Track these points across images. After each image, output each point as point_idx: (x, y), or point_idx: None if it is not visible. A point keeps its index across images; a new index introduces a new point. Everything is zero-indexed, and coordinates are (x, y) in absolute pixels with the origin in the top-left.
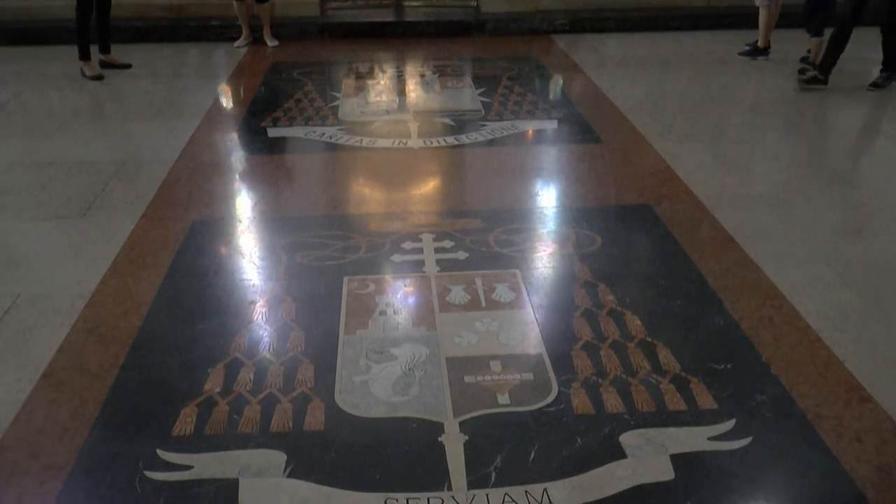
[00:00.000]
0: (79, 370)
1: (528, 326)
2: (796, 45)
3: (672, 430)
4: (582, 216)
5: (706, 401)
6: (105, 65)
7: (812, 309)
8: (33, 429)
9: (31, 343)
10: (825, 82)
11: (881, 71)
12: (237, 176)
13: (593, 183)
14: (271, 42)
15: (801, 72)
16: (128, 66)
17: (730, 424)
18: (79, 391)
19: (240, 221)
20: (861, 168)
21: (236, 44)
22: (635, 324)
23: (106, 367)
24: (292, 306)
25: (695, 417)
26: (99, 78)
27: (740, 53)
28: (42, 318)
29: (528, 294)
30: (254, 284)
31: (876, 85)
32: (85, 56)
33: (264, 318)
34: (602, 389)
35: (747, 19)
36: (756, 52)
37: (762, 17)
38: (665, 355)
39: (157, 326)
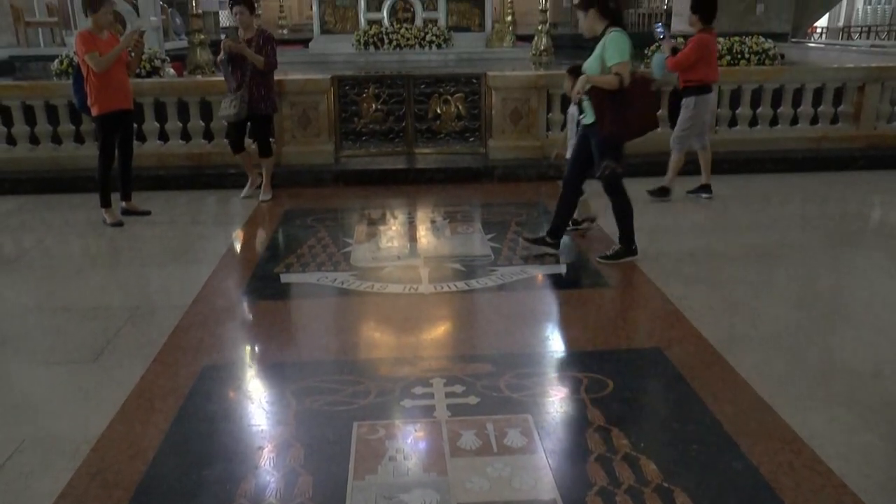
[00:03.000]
0: None
1: (540, 472)
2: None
3: None
4: (592, 360)
5: None
6: (126, 212)
7: (833, 453)
8: None
9: (32, 488)
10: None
11: (546, 236)
12: (249, 321)
13: (603, 327)
14: (264, 195)
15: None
16: (147, 213)
17: None
18: None
19: (250, 366)
20: (873, 309)
21: (242, 194)
22: (651, 469)
23: None
24: (300, 452)
25: None
26: (119, 224)
27: (689, 192)
28: (46, 462)
29: (540, 439)
30: (262, 429)
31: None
32: (106, 203)
33: (272, 464)
34: None
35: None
36: (702, 189)
37: (703, 157)
38: (683, 501)
39: (162, 471)
